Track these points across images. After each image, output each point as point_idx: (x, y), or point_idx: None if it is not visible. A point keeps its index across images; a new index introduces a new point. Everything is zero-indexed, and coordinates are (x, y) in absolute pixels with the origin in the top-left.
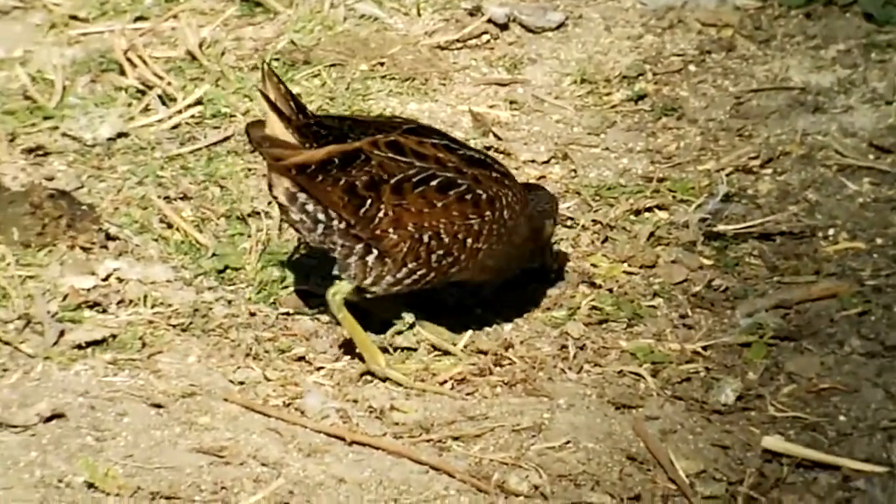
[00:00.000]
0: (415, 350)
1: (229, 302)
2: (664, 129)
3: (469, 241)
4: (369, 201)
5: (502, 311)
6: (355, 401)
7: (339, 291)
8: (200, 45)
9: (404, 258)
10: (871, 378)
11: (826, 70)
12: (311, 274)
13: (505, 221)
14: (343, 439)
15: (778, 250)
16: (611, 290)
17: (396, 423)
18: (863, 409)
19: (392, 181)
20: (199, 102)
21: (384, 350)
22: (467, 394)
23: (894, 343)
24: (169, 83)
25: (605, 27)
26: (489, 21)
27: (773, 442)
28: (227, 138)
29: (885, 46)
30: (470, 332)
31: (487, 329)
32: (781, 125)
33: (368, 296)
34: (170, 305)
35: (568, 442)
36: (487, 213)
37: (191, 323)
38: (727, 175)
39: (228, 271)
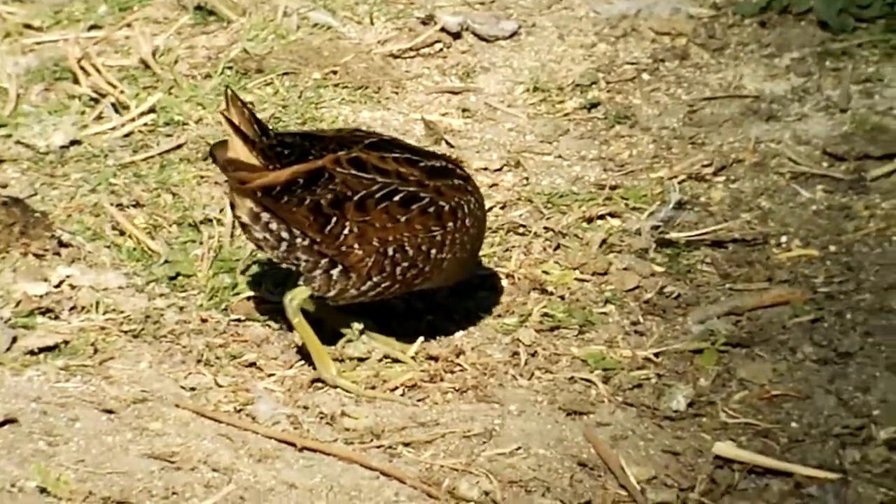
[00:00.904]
0: (366, 359)
1: (181, 308)
2: (617, 137)
3: (433, 251)
4: (334, 219)
5: (453, 317)
6: (306, 407)
7: (295, 297)
8: (154, 54)
9: (369, 272)
10: (824, 385)
11: (780, 78)
12: (262, 281)
13: (467, 229)
14: (294, 445)
15: (730, 257)
16: (563, 297)
17: (347, 429)
18: (815, 415)
19: (355, 198)
20: (151, 110)
21: (336, 359)
22: (418, 400)
23: (847, 350)
24: (122, 91)
25: (559, 35)
26: (442, 30)
27: (724, 448)
28: (179, 146)
29: (840, 54)
30: (421, 338)
31: (439, 335)
32: (735, 133)
33: (330, 302)
34: (122, 312)
35: (519, 448)
36: (450, 223)
37: (142, 329)
38: (680, 183)
39: (180, 278)
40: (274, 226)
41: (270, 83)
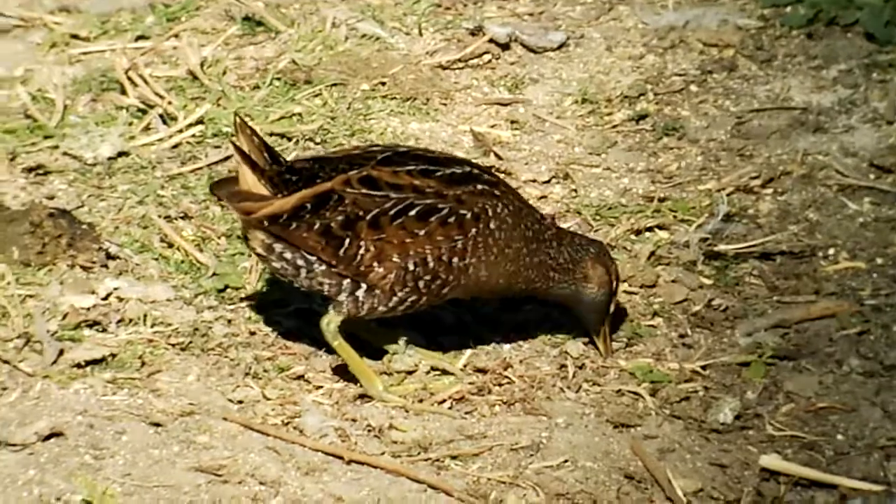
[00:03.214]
0: (413, 371)
1: (229, 321)
2: (665, 149)
3: (455, 260)
4: (347, 240)
5: (501, 330)
6: (354, 420)
7: (332, 321)
8: (201, 65)
9: (392, 288)
10: (870, 397)
11: (827, 90)
12: (310, 293)
13: (492, 232)
14: (341, 458)
15: (778, 270)
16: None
17: (395, 442)
18: (860, 428)
19: (368, 217)
20: (199, 122)
21: (384, 373)
22: (466, 413)
23: (893, 362)
24: (170, 102)
25: (607, 47)
26: (491, 41)
27: (770, 461)
28: (227, 157)
29: (887, 66)
30: (469, 351)
31: (486, 348)
32: (782, 145)
33: (366, 318)
34: (169, 324)
35: (566, 461)
36: (473, 230)
37: (190, 342)
38: (728, 195)
39: (228, 290)
40: (289, 255)
41: (319, 94)
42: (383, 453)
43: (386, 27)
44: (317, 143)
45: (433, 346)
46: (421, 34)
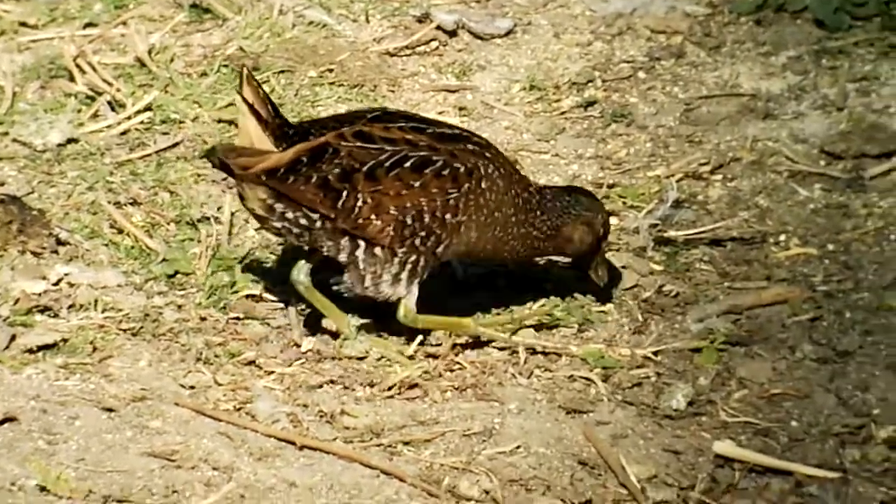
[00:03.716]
0: (364, 357)
1: (179, 307)
2: (614, 136)
3: (448, 216)
4: (345, 192)
5: (452, 315)
6: (305, 405)
7: (407, 310)
8: (149, 52)
9: (391, 244)
10: (823, 383)
11: (776, 76)
12: (261, 279)
13: (483, 191)
14: (293, 443)
15: (729, 256)
16: (561, 296)
17: (347, 428)
18: (815, 414)
19: (364, 168)
20: (148, 108)
21: (335, 358)
22: (417, 398)
23: (846, 349)
24: (118, 89)
25: (554, 34)
26: (438, 28)
27: (724, 447)
28: (176, 144)
29: (836, 52)
30: (420, 336)
31: (437, 333)
32: (731, 131)
33: (380, 299)
34: (120, 310)
35: (519, 447)
36: (466, 184)
37: (141, 327)
38: (677, 181)
39: (178, 276)
40: (290, 214)
41: (266, 81)
42: (335, 439)
43: (333, 14)
44: None
45: (386, 331)
46: (368, 21)
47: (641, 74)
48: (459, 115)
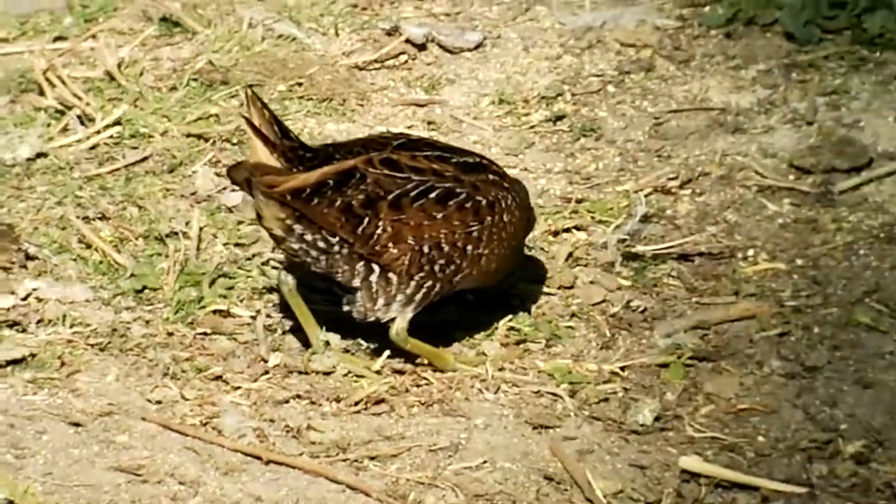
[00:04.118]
0: (331, 373)
1: (147, 322)
2: (583, 150)
3: (469, 247)
4: (367, 219)
5: (419, 331)
6: (272, 420)
7: (399, 329)
8: (119, 66)
9: (408, 271)
10: (791, 399)
11: (746, 90)
12: (228, 294)
13: (506, 225)
14: (260, 458)
15: (697, 271)
16: (529, 311)
17: (313, 443)
18: (782, 429)
19: (389, 197)
20: (117, 123)
21: (303, 372)
22: (384, 413)
23: (814, 364)
24: (88, 103)
25: (524, 47)
26: (407, 41)
27: (691, 462)
28: (145, 158)
29: (806, 66)
30: (387, 352)
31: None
32: (701, 146)
33: (385, 320)
34: (88, 325)
35: (485, 462)
36: (488, 218)
37: (109, 342)
38: (646, 196)
39: (146, 291)
40: (309, 236)
41: (235, 95)
42: (302, 454)
43: (302, 28)
44: (234, 144)
45: (353, 347)
46: (337, 35)
47: (611, 88)
48: (428, 129)
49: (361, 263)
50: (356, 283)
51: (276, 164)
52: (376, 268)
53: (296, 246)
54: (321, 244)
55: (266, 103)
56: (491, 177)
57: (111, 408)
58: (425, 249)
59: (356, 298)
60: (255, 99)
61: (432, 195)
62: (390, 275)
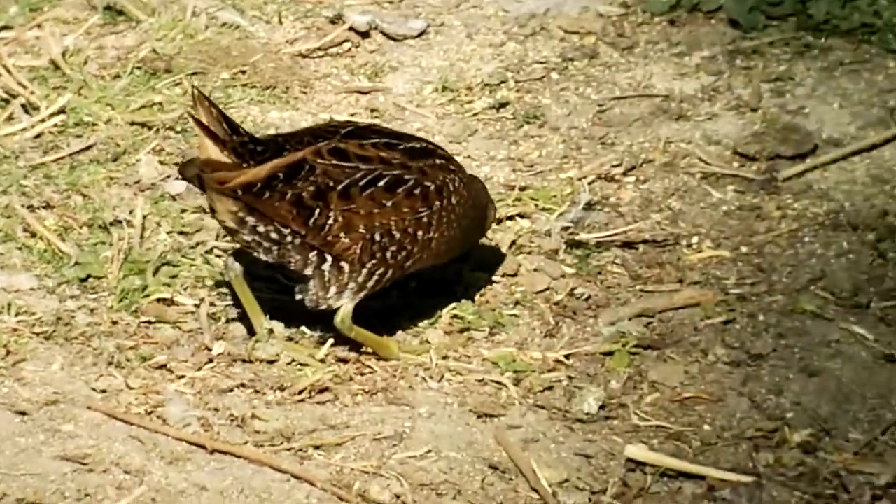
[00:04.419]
0: (275, 361)
1: (92, 310)
2: (526, 137)
3: (420, 233)
4: (318, 210)
5: (363, 319)
6: (216, 409)
7: (345, 315)
8: (63, 54)
9: (360, 259)
10: (736, 387)
11: (690, 77)
12: (172, 283)
13: (454, 208)
14: (204, 448)
15: (641, 259)
16: (472, 299)
17: (257, 432)
18: (728, 418)
19: (339, 187)
20: (61, 111)
21: (247, 361)
22: (328, 402)
23: (759, 352)
24: (32, 92)
25: (467, 35)
26: (350, 29)
27: (636, 451)
28: (89, 147)
29: (751, 53)
30: (331, 340)
31: (349, 338)
32: (644, 133)
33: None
34: (33, 314)
35: (430, 451)
36: (436, 202)
37: (54, 331)
38: (590, 183)
39: (91, 280)
40: (261, 228)
41: (179, 83)
42: (246, 443)
43: (246, 16)
44: (177, 133)
45: (297, 336)
46: (281, 22)
47: (554, 75)
48: (371, 116)
49: (314, 253)
50: (308, 272)
51: (227, 161)
52: (328, 257)
53: (248, 238)
54: (274, 235)
55: (213, 101)
56: (437, 161)
57: (56, 396)
58: (377, 237)
59: (309, 287)
60: (202, 97)
61: (381, 183)
62: (342, 264)
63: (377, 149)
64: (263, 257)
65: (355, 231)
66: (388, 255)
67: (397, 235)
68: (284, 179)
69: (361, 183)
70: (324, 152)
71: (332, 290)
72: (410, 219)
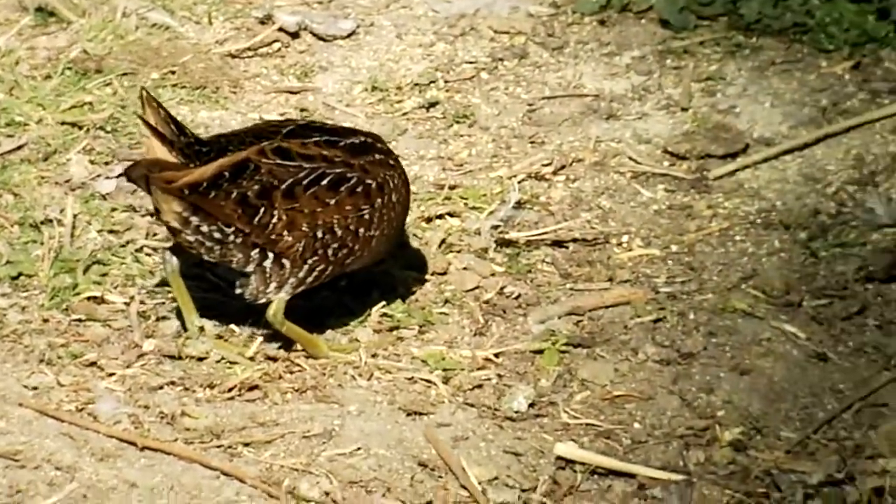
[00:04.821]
0: (205, 358)
1: (23, 308)
2: (456, 137)
3: (362, 230)
4: (262, 209)
5: (293, 316)
6: (147, 406)
7: (277, 310)
8: None
9: (302, 256)
10: (667, 385)
11: (620, 77)
12: (102, 281)
13: (394, 205)
14: (135, 444)
15: (571, 257)
16: (402, 298)
17: (187, 429)
18: (658, 416)
19: (283, 186)
20: None
21: (178, 358)
22: (257, 400)
23: (689, 350)
24: None
25: (397, 35)
26: (280, 29)
27: (566, 449)
28: (20, 147)
29: (681, 52)
30: (260, 338)
31: (278, 335)
32: (574, 132)
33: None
34: None
35: (359, 448)
36: (378, 200)
37: None
38: (519, 182)
39: (22, 278)
40: (205, 227)
41: (110, 84)
42: (176, 440)
43: (176, 16)
44: (107, 132)
45: (225, 333)
46: (211, 23)
47: (484, 75)
48: (301, 116)
49: (256, 251)
50: (250, 268)
51: (174, 161)
52: (270, 254)
53: (192, 238)
54: (217, 235)
55: (161, 103)
56: (378, 156)
57: None
58: (319, 235)
59: (249, 282)
60: (150, 99)
61: (324, 182)
62: (283, 260)
63: (319, 147)
64: (205, 256)
65: (298, 229)
66: (330, 252)
67: (339, 233)
68: (230, 179)
69: (305, 182)
70: (267, 151)
71: (273, 285)
72: (353, 216)
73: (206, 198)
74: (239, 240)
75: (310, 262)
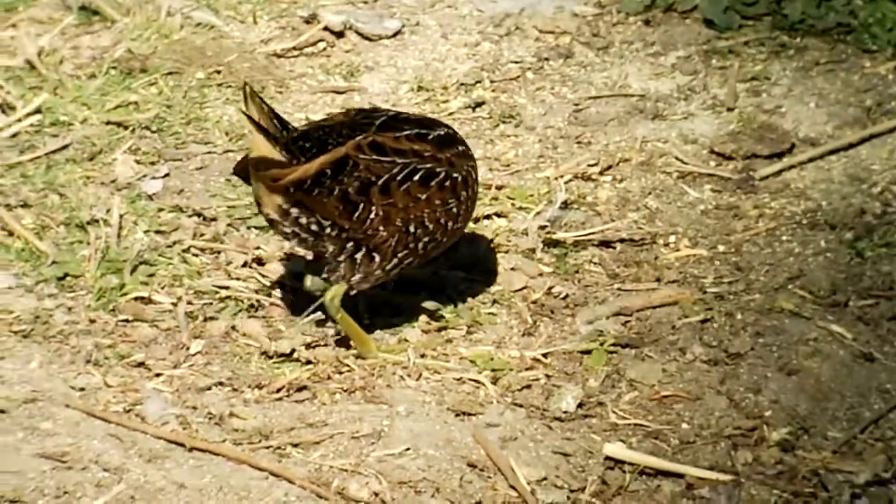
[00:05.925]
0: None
1: (69, 309)
2: (502, 137)
3: (450, 223)
4: (361, 205)
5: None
6: (195, 407)
7: (336, 295)
8: (39, 54)
9: (394, 251)
10: (714, 385)
11: (665, 77)
12: (149, 282)
13: (473, 196)
14: (183, 445)
15: (618, 257)
16: (450, 298)
17: (236, 430)
18: (706, 416)
19: (379, 182)
20: (37, 111)
21: (227, 359)
22: (306, 400)
23: (737, 350)
24: (8, 92)
25: (442, 34)
26: (325, 29)
27: (615, 449)
28: (65, 146)
29: (726, 52)
30: (308, 338)
31: (326, 335)
32: (620, 132)
33: (354, 288)
34: (11, 312)
35: (408, 449)
36: (463, 193)
37: (32, 329)
38: (566, 182)
39: (68, 278)
40: (304, 220)
41: (154, 83)
42: (224, 441)
43: (220, 15)
44: (153, 132)
45: (271, 336)
46: (255, 22)
47: (530, 75)
48: None
49: (350, 244)
50: (342, 258)
51: (279, 157)
52: (363, 248)
53: (289, 229)
54: (314, 227)
55: (263, 98)
56: (461, 148)
57: (35, 395)
58: (411, 229)
59: (339, 267)
60: (254, 94)
61: (416, 177)
62: (374, 254)
63: (410, 141)
64: (296, 246)
65: (393, 224)
66: (420, 245)
67: (430, 227)
68: (332, 176)
69: (399, 178)
70: (364, 147)
71: (360, 273)
72: (441, 210)
73: (310, 195)
74: (334, 233)
75: (399, 255)
